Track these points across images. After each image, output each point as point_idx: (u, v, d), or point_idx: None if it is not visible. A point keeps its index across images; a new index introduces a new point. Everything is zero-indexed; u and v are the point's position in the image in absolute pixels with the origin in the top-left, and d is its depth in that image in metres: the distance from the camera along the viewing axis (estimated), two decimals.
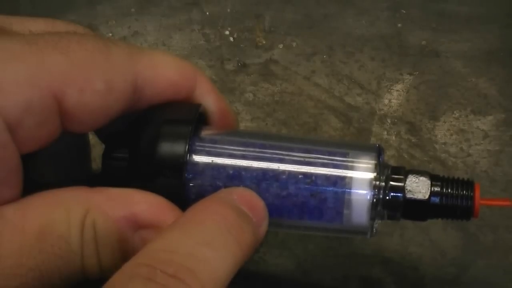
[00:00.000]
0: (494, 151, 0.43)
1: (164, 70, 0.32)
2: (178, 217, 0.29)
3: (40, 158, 0.32)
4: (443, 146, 0.44)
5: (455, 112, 0.45)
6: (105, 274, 0.29)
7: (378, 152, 0.32)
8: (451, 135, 0.44)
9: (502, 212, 0.40)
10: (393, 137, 0.44)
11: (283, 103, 0.46)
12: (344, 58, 0.48)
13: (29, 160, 0.30)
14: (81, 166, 0.37)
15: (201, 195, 0.31)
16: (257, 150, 0.32)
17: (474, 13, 0.50)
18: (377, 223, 0.32)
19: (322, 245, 0.40)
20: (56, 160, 0.34)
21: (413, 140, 0.44)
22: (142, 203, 0.29)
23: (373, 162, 0.32)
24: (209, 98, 0.34)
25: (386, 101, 0.46)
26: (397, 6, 0.51)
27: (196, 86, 0.34)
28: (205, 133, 0.32)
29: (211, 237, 0.27)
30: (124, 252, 0.29)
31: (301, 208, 0.31)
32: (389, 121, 0.45)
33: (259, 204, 0.30)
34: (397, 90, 0.46)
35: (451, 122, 0.45)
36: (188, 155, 0.31)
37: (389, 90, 0.46)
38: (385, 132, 0.44)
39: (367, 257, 0.39)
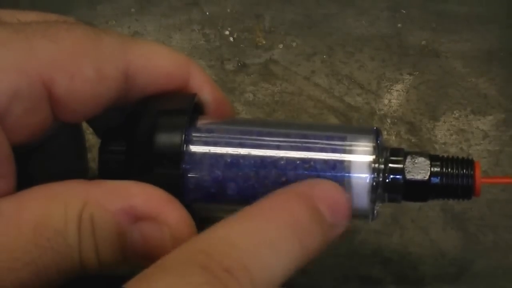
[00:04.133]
0: (494, 151, 0.43)
1: (157, 59, 0.32)
2: (180, 210, 0.29)
3: (37, 153, 0.32)
4: (443, 146, 0.43)
5: (455, 112, 0.45)
6: (104, 268, 0.29)
7: (376, 134, 0.32)
8: (451, 135, 0.44)
9: (502, 212, 0.40)
10: (393, 137, 0.44)
11: (283, 103, 0.46)
12: (344, 58, 0.48)
13: (27, 156, 0.30)
14: (78, 161, 0.37)
15: (199, 185, 0.31)
16: (254, 137, 0.32)
17: (474, 13, 0.50)
18: (378, 206, 0.32)
19: None
20: (53, 155, 0.34)
21: (413, 140, 0.44)
22: (140, 195, 0.29)
23: (372, 144, 0.31)
24: (204, 88, 0.34)
25: (386, 101, 0.46)
26: (397, 6, 0.51)
27: (190, 76, 0.33)
28: (201, 122, 0.32)
29: (275, 238, 0.27)
30: (123, 245, 0.29)
31: None
32: (389, 121, 0.45)
33: (341, 202, 0.30)
34: (397, 90, 0.46)
35: (451, 122, 0.45)
36: (185, 145, 0.31)
37: (389, 90, 0.46)
38: (385, 132, 0.44)
39: (367, 257, 0.39)
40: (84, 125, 0.36)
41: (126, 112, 0.32)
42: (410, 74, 0.47)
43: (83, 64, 0.29)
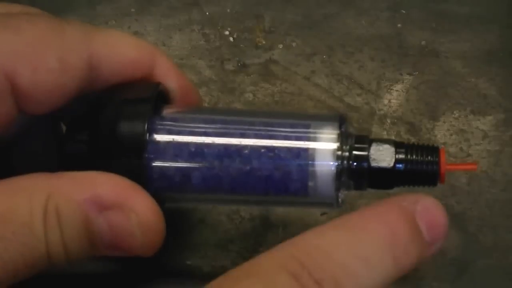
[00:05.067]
0: (494, 151, 0.43)
1: (120, 48, 0.32)
2: (146, 198, 0.29)
3: (13, 148, 0.32)
4: (443, 146, 0.43)
5: (454, 112, 0.45)
6: (72, 259, 0.29)
7: (340, 121, 0.32)
8: (451, 135, 0.44)
9: (502, 212, 0.40)
10: (393, 137, 0.44)
11: (283, 103, 0.46)
12: (344, 58, 0.48)
13: (1, 151, 0.30)
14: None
15: (164, 174, 0.31)
16: (219, 126, 0.32)
17: (474, 13, 0.50)
18: (343, 193, 0.32)
19: None
20: (29, 150, 0.34)
21: (413, 140, 0.44)
22: (105, 184, 0.29)
23: (336, 132, 0.31)
24: (169, 77, 0.33)
25: (386, 101, 0.46)
26: (397, 6, 0.51)
27: (155, 65, 0.33)
28: (167, 111, 0.32)
29: (370, 253, 0.27)
30: (90, 235, 0.29)
31: (265, 182, 0.31)
32: (389, 121, 0.45)
33: (441, 222, 0.29)
34: (397, 90, 0.46)
35: (451, 122, 0.45)
36: (148, 134, 0.31)
37: (389, 90, 0.46)
38: (385, 132, 0.44)
39: None
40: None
41: (91, 100, 0.32)
42: (410, 74, 0.47)
43: (46, 55, 0.29)
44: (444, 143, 0.44)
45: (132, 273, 0.38)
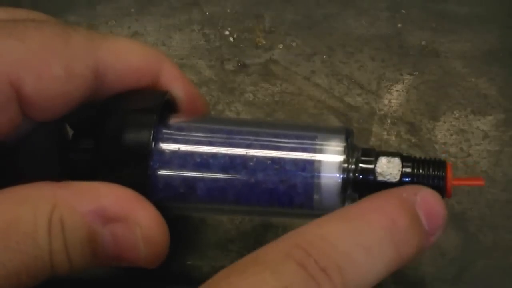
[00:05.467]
0: (494, 151, 0.43)
1: (126, 55, 0.32)
2: (151, 210, 0.29)
3: (17, 153, 0.32)
4: (443, 146, 0.43)
5: (455, 112, 0.45)
6: (75, 270, 0.28)
7: (347, 134, 0.32)
8: (451, 135, 0.44)
9: (502, 212, 0.40)
10: (393, 137, 0.44)
11: (283, 103, 0.46)
12: (344, 58, 0.48)
13: (4, 156, 0.30)
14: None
15: (168, 184, 0.31)
16: (225, 136, 0.31)
17: (474, 13, 0.50)
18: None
19: None
20: (32, 155, 0.34)
21: (413, 140, 0.44)
22: (110, 196, 0.29)
23: (342, 144, 0.31)
24: (176, 85, 0.33)
25: (386, 101, 0.46)
26: (397, 6, 0.51)
27: (162, 72, 0.33)
28: (173, 121, 0.32)
29: (372, 242, 0.27)
30: (94, 247, 0.28)
31: (270, 194, 0.31)
32: (389, 121, 0.45)
33: (440, 212, 0.30)
34: (397, 90, 0.46)
35: (451, 122, 0.45)
36: (154, 144, 0.30)
37: (389, 90, 0.46)
38: (385, 132, 0.44)
39: None
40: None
41: (97, 106, 0.32)
42: (410, 74, 0.47)
43: (51, 62, 0.29)
44: (444, 143, 0.44)
45: (132, 273, 0.38)
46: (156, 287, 0.38)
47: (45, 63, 0.29)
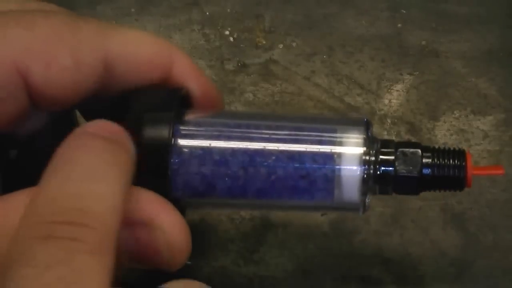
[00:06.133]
0: (494, 151, 0.43)
1: (136, 46, 0.32)
2: (175, 215, 0.29)
3: (29, 147, 0.32)
4: (443, 146, 0.43)
5: (455, 112, 0.45)
6: None
7: (366, 126, 0.31)
8: (451, 135, 0.44)
9: (502, 212, 0.40)
10: (393, 137, 0.44)
11: (283, 103, 0.46)
12: (344, 58, 0.48)
13: (17, 149, 0.30)
14: None
15: (188, 181, 0.30)
16: (243, 131, 0.31)
17: (474, 13, 0.50)
18: (369, 198, 0.31)
19: (322, 245, 0.40)
20: (45, 149, 0.34)
21: (413, 140, 0.44)
22: (133, 199, 0.28)
23: (362, 136, 0.31)
24: (189, 78, 0.33)
25: (386, 101, 0.46)
26: (397, 6, 0.51)
27: (174, 65, 0.32)
28: (189, 117, 0.31)
29: (89, 170, 0.26)
30: (116, 251, 0.28)
31: (291, 190, 0.31)
32: (389, 121, 0.45)
33: (114, 127, 0.28)
34: (397, 90, 0.46)
35: (451, 122, 0.45)
36: (173, 140, 0.30)
37: (389, 90, 0.46)
38: (385, 132, 0.44)
39: (367, 257, 0.39)
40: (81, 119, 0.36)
41: (111, 100, 0.31)
42: (410, 74, 0.47)
43: (60, 52, 0.29)
44: (445, 143, 0.44)
45: (132, 273, 0.38)
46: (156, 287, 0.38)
47: (53, 52, 0.29)
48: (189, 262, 0.38)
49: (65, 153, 0.27)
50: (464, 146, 0.43)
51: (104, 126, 0.28)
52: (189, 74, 0.33)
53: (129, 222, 0.28)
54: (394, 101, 0.46)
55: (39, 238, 0.24)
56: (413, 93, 0.46)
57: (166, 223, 0.29)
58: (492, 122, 0.44)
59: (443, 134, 0.44)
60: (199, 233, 0.39)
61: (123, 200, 0.26)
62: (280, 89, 0.46)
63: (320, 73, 0.47)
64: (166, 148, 0.30)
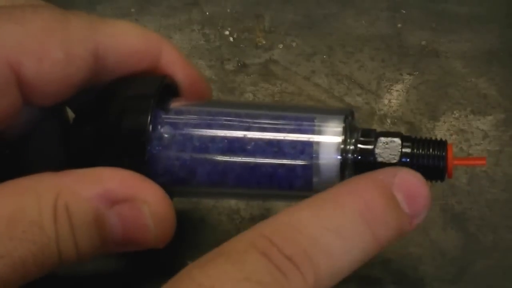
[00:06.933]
0: (494, 151, 0.43)
1: (126, 38, 0.32)
2: (156, 188, 0.29)
3: (23, 146, 0.32)
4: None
5: (455, 112, 0.45)
6: (83, 257, 0.28)
7: (346, 115, 0.31)
8: (451, 135, 0.44)
9: (502, 212, 0.40)
10: None
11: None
12: (344, 58, 0.48)
13: (12, 146, 0.30)
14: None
15: (168, 168, 0.31)
16: (223, 119, 0.31)
17: (474, 13, 0.50)
18: None
19: None
20: (39, 145, 0.34)
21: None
22: (114, 179, 0.28)
23: (341, 125, 0.31)
24: (176, 67, 0.33)
25: (386, 101, 0.46)
26: (397, 6, 0.51)
27: (162, 55, 0.33)
28: (173, 105, 0.32)
29: (342, 224, 0.26)
30: (101, 231, 0.28)
31: (270, 177, 0.31)
32: (389, 121, 0.45)
33: (421, 192, 0.29)
34: (397, 90, 0.46)
35: (451, 122, 0.45)
36: (152, 128, 0.30)
37: (389, 90, 0.46)
38: None
39: None
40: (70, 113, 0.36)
41: (99, 90, 0.32)
42: (410, 74, 0.47)
43: (51, 46, 0.29)
44: None
45: (132, 273, 0.38)
46: (156, 286, 0.37)
47: (45, 47, 0.29)
48: (189, 262, 0.38)
49: (342, 191, 0.27)
50: (464, 146, 0.43)
51: (413, 187, 0.28)
52: (177, 64, 0.33)
53: (112, 201, 0.28)
54: (394, 101, 0.46)
55: (257, 250, 0.24)
56: (413, 93, 0.46)
57: (149, 196, 0.29)
58: (492, 122, 0.44)
59: (443, 134, 0.44)
60: (199, 233, 0.39)
61: (352, 270, 0.26)
62: (280, 89, 0.46)
63: (320, 73, 0.47)
64: (144, 135, 0.30)
